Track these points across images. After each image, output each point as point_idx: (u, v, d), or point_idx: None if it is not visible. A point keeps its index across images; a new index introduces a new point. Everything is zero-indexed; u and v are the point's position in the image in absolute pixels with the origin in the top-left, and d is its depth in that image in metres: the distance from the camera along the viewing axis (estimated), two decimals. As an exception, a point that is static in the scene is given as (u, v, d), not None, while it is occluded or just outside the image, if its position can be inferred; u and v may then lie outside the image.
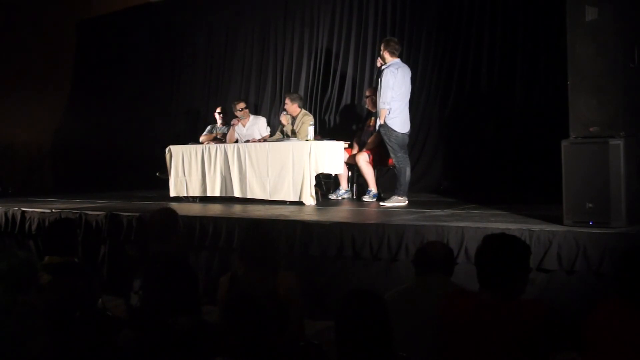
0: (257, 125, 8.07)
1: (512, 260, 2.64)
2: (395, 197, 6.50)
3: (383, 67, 6.59)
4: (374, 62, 8.56)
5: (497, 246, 2.68)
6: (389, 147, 6.59)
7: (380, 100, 6.51)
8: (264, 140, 7.78)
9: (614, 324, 2.47)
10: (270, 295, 3.14)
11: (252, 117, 8.20)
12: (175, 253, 3.60)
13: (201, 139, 8.26)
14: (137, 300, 3.53)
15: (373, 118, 7.40)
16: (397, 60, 6.63)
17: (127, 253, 6.17)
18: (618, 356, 2.43)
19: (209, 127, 8.63)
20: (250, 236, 3.45)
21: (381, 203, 6.60)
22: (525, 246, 2.75)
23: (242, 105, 8.14)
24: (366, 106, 7.75)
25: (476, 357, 2.60)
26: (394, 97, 6.47)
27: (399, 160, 6.56)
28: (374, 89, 7.46)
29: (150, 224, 3.83)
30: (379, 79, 6.60)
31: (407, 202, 6.52)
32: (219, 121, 8.58)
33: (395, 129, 6.51)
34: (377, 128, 6.76)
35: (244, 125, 8.06)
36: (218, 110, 8.67)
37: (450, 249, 3.53)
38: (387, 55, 6.60)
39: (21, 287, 3.00)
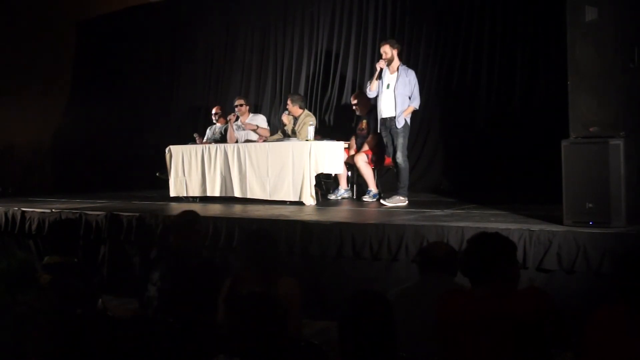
0: (256, 122, 8.08)
1: (497, 255, 2.66)
2: (397, 197, 6.51)
3: (401, 66, 6.66)
4: (374, 62, 8.56)
5: (481, 244, 2.71)
6: (399, 146, 6.56)
7: (415, 98, 6.60)
8: (262, 136, 7.81)
9: (614, 326, 2.46)
10: (270, 297, 3.16)
11: (251, 115, 8.21)
12: (196, 249, 4.04)
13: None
14: (154, 291, 3.65)
15: (364, 121, 7.45)
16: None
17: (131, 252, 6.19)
18: (617, 358, 2.43)
19: (208, 132, 8.64)
20: (252, 241, 3.47)
21: (382, 202, 6.60)
22: (509, 241, 2.78)
23: (239, 101, 8.15)
24: (358, 113, 7.70)
25: (476, 353, 2.60)
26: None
27: (405, 159, 6.59)
28: (359, 94, 7.53)
29: (173, 223, 4.17)
30: (405, 78, 6.59)
31: (407, 202, 6.53)
32: (215, 121, 8.60)
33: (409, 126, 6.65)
34: (401, 125, 6.67)
35: (242, 123, 8.08)
36: (214, 111, 8.67)
37: (453, 249, 3.53)
38: (396, 54, 6.69)
39: (21, 287, 3.00)
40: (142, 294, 3.83)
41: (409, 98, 6.61)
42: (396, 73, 6.64)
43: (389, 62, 6.67)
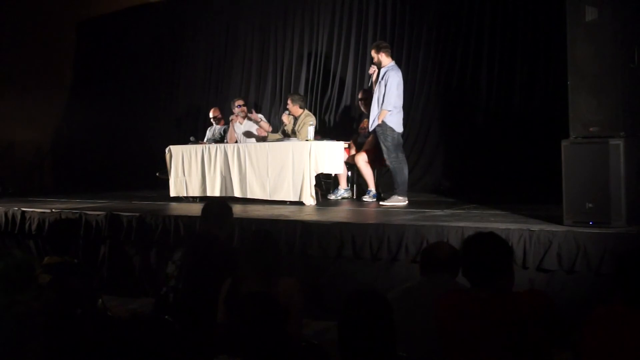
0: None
1: (495, 255, 2.66)
2: (395, 197, 6.50)
3: (384, 68, 6.60)
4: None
5: (476, 244, 2.72)
6: (384, 148, 6.58)
7: (385, 101, 6.50)
8: (263, 129, 7.84)
9: (613, 326, 2.47)
10: (271, 297, 3.15)
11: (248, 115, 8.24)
12: (225, 238, 4.20)
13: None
14: (174, 269, 3.83)
15: (366, 120, 7.44)
16: (393, 62, 6.71)
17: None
18: (616, 358, 2.43)
19: (208, 133, 8.64)
20: (253, 241, 3.47)
21: (381, 202, 6.60)
22: (504, 241, 2.79)
23: (241, 102, 8.16)
24: (362, 109, 7.72)
25: (476, 354, 2.60)
26: (397, 97, 6.53)
27: (393, 160, 6.56)
28: (367, 90, 7.51)
29: (206, 211, 4.25)
30: (380, 80, 6.59)
31: (407, 202, 6.52)
32: (214, 123, 8.60)
33: (393, 127, 6.54)
34: (373, 128, 6.69)
35: (241, 123, 8.09)
36: (212, 114, 8.68)
37: (455, 249, 3.52)
38: (383, 57, 6.66)
39: (19, 287, 3.00)
40: (160, 271, 3.94)
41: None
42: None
43: (379, 66, 6.68)
